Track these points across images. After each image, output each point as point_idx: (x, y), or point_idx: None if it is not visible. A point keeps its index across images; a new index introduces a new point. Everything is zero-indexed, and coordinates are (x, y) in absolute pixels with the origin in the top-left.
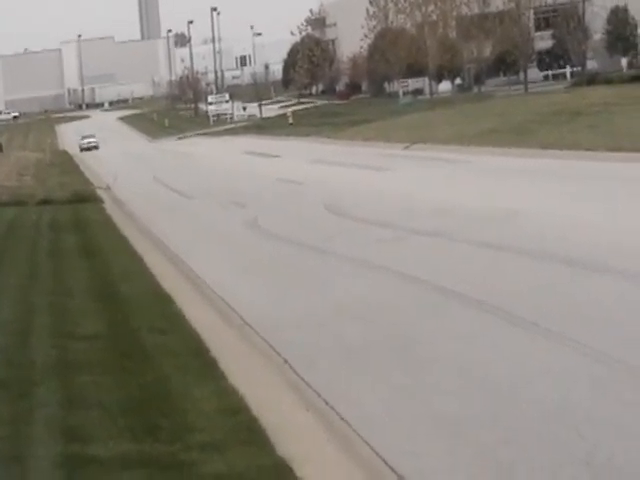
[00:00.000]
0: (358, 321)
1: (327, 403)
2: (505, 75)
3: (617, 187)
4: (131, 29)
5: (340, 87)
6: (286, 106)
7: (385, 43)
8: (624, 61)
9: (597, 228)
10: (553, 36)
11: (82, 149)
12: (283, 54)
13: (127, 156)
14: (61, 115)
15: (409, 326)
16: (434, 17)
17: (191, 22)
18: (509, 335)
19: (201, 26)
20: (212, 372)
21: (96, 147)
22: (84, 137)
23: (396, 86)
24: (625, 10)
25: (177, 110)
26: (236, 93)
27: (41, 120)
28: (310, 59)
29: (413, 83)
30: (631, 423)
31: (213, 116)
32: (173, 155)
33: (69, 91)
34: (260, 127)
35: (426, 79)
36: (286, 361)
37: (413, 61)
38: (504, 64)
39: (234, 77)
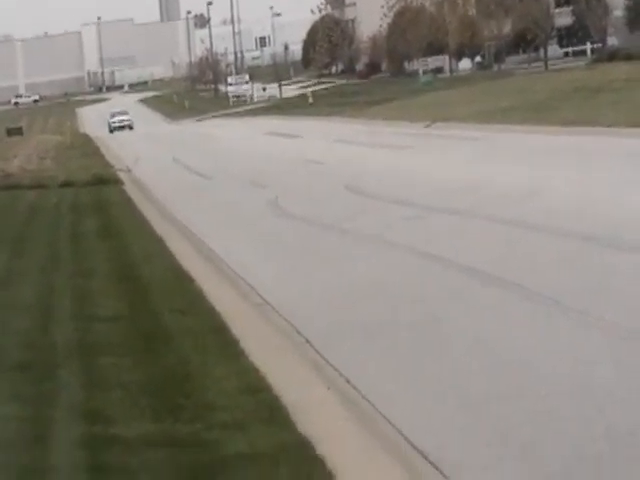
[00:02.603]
0: (379, 299)
1: (348, 381)
2: (525, 52)
3: (636, 163)
4: (150, 11)
5: (360, 67)
6: (306, 86)
7: (404, 22)
8: None
9: (619, 205)
10: (573, 12)
11: (113, 129)
12: (302, 34)
13: (147, 138)
14: (81, 98)
15: (431, 304)
16: None
17: (210, 3)
18: (530, 312)
19: (220, 7)
20: (233, 351)
21: (130, 127)
22: (114, 114)
23: (416, 65)
24: None
25: (197, 91)
26: (256, 74)
27: (61, 103)
28: (329, 39)
29: (433, 61)
30: None
31: (233, 97)
32: (193, 136)
33: (89, 74)
34: (280, 107)
35: (446, 57)
36: (307, 340)
37: (433, 39)
38: (524, 41)
39: (254, 58)
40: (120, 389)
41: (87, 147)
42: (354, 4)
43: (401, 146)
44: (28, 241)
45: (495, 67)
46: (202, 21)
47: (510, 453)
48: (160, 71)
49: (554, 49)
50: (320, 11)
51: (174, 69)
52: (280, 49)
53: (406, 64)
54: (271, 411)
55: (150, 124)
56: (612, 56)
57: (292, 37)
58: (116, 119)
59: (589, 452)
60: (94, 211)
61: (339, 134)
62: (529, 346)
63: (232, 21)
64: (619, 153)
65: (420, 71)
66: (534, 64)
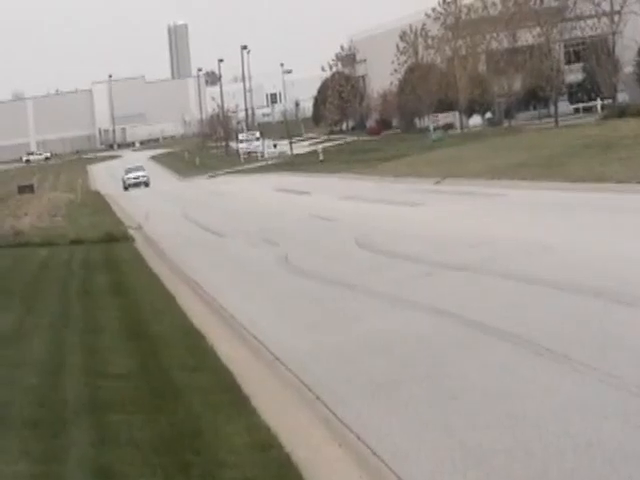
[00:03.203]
0: (387, 356)
1: (359, 438)
2: (535, 108)
3: None
4: (162, 68)
5: (370, 123)
6: (317, 143)
7: (415, 78)
8: None
9: (630, 261)
10: (583, 69)
11: (127, 186)
12: (313, 91)
13: (158, 195)
14: (92, 155)
15: (439, 362)
16: (463, 51)
17: (221, 60)
18: (540, 368)
19: (231, 64)
20: (245, 409)
21: (146, 183)
22: (129, 170)
23: (427, 121)
24: None
25: (208, 148)
26: (267, 130)
27: (72, 161)
28: (340, 95)
29: (444, 118)
30: None
31: (244, 154)
32: (204, 193)
33: (100, 131)
34: (291, 164)
35: (457, 113)
36: (318, 397)
37: (443, 96)
38: (534, 97)
39: (264, 114)
40: (131, 446)
41: (98, 204)
42: (365, 61)
43: (411, 202)
44: (38, 298)
45: (505, 123)
46: (213, 78)
47: None
48: (171, 128)
49: (564, 105)
50: (331, 68)
51: (185, 126)
52: (291, 105)
53: (417, 120)
54: (281, 468)
55: (161, 181)
56: (622, 112)
57: (303, 94)
58: (131, 175)
59: None
60: (105, 268)
61: (349, 191)
62: (538, 401)
63: (243, 78)
64: (629, 209)
65: (431, 127)
66: (544, 120)
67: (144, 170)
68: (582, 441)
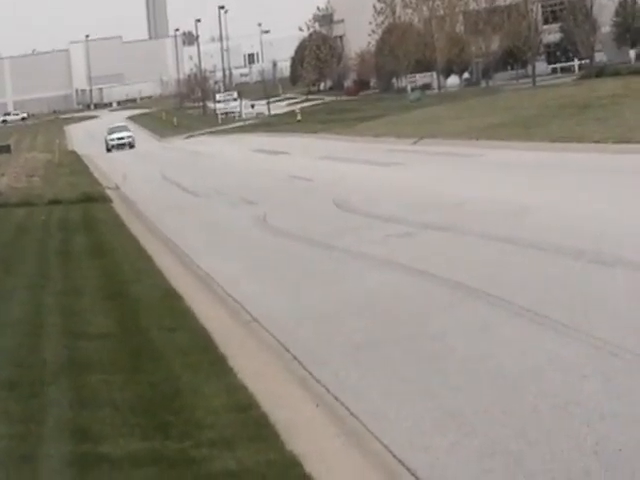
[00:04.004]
0: (366, 316)
1: (337, 399)
2: (513, 69)
3: (624, 179)
4: (139, 29)
5: (348, 83)
6: (294, 103)
7: (393, 39)
8: (632, 53)
9: (606, 220)
10: (561, 29)
11: (111, 147)
12: (291, 51)
13: (136, 155)
14: (69, 116)
15: (418, 321)
16: (441, 12)
17: (199, 21)
18: (521, 328)
19: (209, 24)
20: (223, 369)
21: (131, 145)
22: (113, 130)
23: (404, 82)
24: (634, 2)
25: (185, 109)
26: (244, 91)
27: (49, 121)
28: (318, 56)
29: (421, 78)
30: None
31: (221, 114)
32: (182, 154)
33: (77, 91)
34: (268, 124)
35: (434, 74)
36: (295, 358)
37: (421, 56)
38: (512, 58)
39: (242, 75)
40: (109, 407)
41: (75, 165)
42: (342, 21)
43: (389, 163)
44: (16, 259)
45: (483, 83)
46: (190, 38)
47: (498, 465)
48: (148, 88)
49: (542, 65)
50: (308, 28)
51: (162, 86)
52: (268, 66)
53: (394, 81)
54: (259, 428)
55: (139, 142)
56: (600, 72)
57: (280, 54)
58: (115, 136)
59: (577, 466)
60: (83, 229)
61: (327, 151)
62: (517, 361)
63: (220, 38)
64: (607, 169)
65: (408, 88)
66: (522, 80)
67: (129, 130)
68: (561, 401)
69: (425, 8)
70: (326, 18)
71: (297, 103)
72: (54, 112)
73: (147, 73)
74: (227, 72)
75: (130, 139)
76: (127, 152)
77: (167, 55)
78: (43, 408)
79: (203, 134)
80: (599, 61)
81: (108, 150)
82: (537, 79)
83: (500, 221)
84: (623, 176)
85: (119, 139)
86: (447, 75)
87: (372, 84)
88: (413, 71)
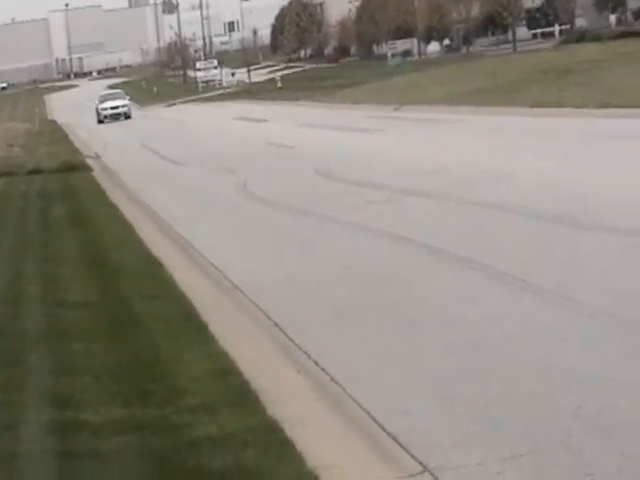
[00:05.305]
0: (347, 282)
1: (317, 364)
2: (494, 35)
3: (605, 143)
4: None
5: (329, 51)
6: (275, 71)
7: (373, 5)
8: (612, 18)
9: (587, 185)
10: None
11: (103, 118)
12: (271, 19)
13: (116, 124)
14: (49, 85)
15: (400, 286)
16: None
17: None
18: (501, 293)
19: None
20: (204, 336)
21: (127, 115)
22: (105, 98)
23: (385, 48)
24: None
25: (166, 77)
26: (225, 59)
27: (29, 90)
28: (298, 23)
29: (401, 45)
30: (620, 377)
31: (202, 82)
32: (162, 122)
33: (57, 61)
34: (249, 92)
35: (414, 40)
36: (276, 324)
37: (401, 23)
38: (493, 23)
39: (222, 43)
40: (90, 374)
41: (56, 134)
42: None
43: (370, 129)
44: None
45: (464, 49)
46: (170, 7)
47: (478, 430)
48: (129, 57)
49: (523, 31)
50: None
51: (143, 55)
52: (249, 34)
53: (375, 47)
54: (240, 395)
55: None
56: (580, 37)
57: (261, 22)
58: (108, 105)
59: (557, 428)
60: (63, 198)
61: (308, 118)
62: (498, 326)
63: (200, 6)
64: (587, 134)
65: (389, 54)
66: (503, 46)
67: (124, 97)
68: (541, 364)
69: None
70: None
71: (278, 71)
72: (34, 82)
73: (127, 42)
74: (207, 40)
75: (125, 108)
76: (108, 121)
77: (147, 24)
78: (24, 376)
79: (184, 102)
80: (580, 26)
81: (100, 122)
82: (518, 44)
83: (481, 187)
84: (604, 140)
85: (113, 108)
86: (428, 41)
87: (352, 51)
88: (393, 38)
